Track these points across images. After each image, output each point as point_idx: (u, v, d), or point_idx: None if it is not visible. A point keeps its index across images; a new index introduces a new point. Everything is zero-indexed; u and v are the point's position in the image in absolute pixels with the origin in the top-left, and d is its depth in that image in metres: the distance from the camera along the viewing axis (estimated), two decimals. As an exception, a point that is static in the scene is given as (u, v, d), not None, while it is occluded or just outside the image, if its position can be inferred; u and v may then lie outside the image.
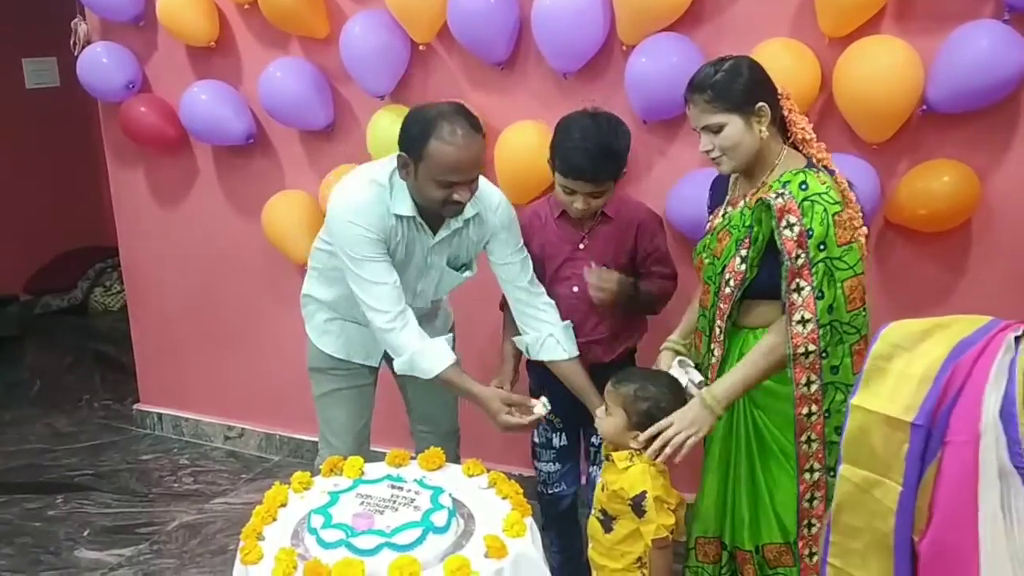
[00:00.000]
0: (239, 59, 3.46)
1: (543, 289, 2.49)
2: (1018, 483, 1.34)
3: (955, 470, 1.38)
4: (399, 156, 2.22)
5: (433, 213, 2.30)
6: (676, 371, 2.21)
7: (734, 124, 2.02)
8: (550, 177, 2.89)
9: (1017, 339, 1.41)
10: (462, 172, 2.17)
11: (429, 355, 2.33)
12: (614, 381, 2.17)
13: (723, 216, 2.19)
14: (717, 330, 2.15)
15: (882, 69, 2.49)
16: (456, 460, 2.59)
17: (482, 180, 2.32)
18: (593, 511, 2.23)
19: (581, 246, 2.48)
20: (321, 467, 2.29)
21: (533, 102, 3.00)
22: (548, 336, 2.45)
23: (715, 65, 2.06)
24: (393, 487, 2.07)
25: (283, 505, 2.10)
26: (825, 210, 1.95)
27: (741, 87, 2.02)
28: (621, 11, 2.75)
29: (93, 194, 4.68)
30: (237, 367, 3.90)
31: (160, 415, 4.16)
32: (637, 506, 2.06)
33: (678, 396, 2.13)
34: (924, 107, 2.54)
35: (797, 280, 1.97)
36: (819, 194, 1.96)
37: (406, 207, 2.28)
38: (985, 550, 1.36)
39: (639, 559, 2.13)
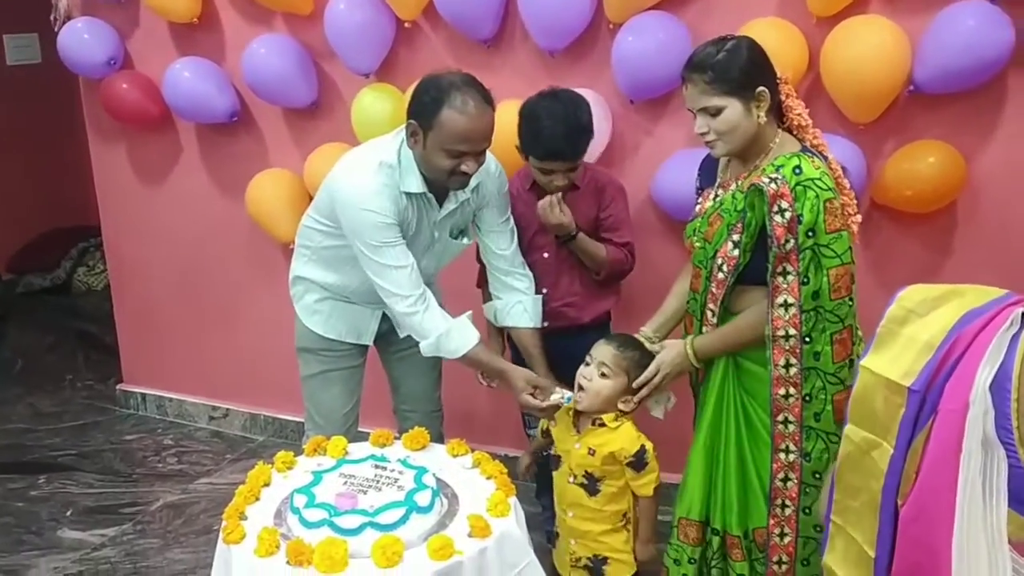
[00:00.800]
0: (222, 35, 3.41)
1: (523, 260, 2.54)
2: (1001, 456, 1.34)
3: (942, 438, 1.38)
4: (408, 124, 2.22)
5: (439, 186, 2.29)
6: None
7: (733, 108, 2.00)
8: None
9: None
10: (472, 142, 2.18)
11: (456, 336, 2.34)
12: (618, 345, 2.22)
13: (714, 199, 2.17)
14: (709, 314, 2.15)
15: (869, 49, 2.48)
16: (440, 439, 2.59)
17: None
18: (571, 480, 2.25)
19: None
20: (305, 447, 2.28)
21: (519, 80, 2.97)
22: (517, 303, 2.52)
23: (716, 44, 2.02)
24: (377, 467, 2.06)
25: (266, 485, 2.09)
26: (817, 196, 1.93)
27: (743, 70, 1.99)
28: (608, -11, 2.72)
29: (77, 172, 4.63)
30: (221, 347, 3.88)
31: (144, 395, 4.14)
32: (640, 461, 2.18)
33: None
34: (911, 88, 2.53)
35: (784, 264, 1.96)
36: (813, 180, 1.95)
37: (415, 183, 2.28)
38: (960, 517, 1.36)
39: (624, 515, 2.25)
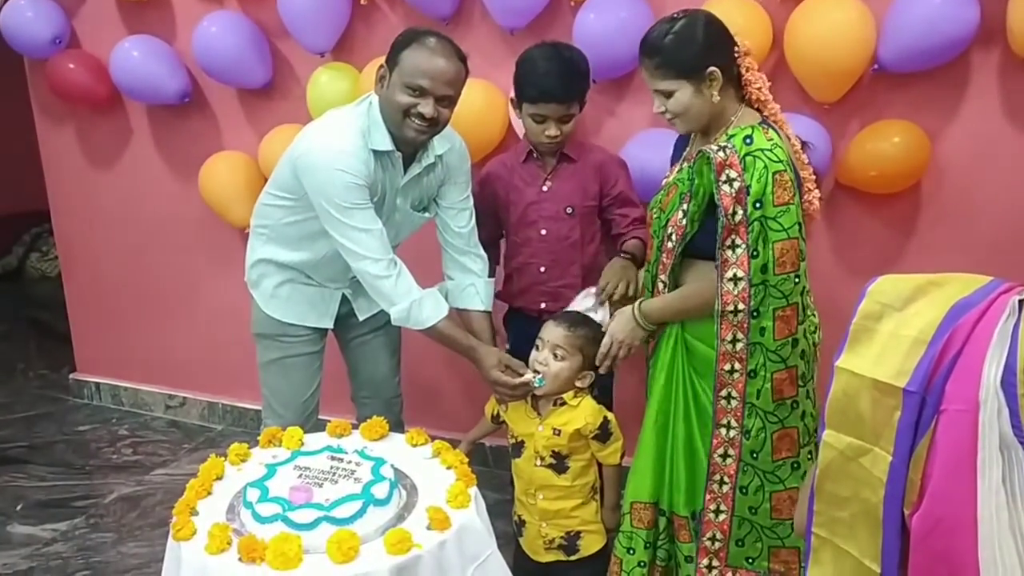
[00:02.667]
0: (172, 13, 3.31)
1: (478, 242, 2.51)
2: (1020, 455, 1.26)
3: (951, 441, 1.30)
4: (379, 68, 2.22)
5: (406, 145, 2.26)
6: (583, 303, 2.32)
7: (683, 90, 1.98)
8: (499, 133, 2.85)
9: (1021, 303, 1.32)
10: (432, 80, 2.15)
11: (429, 304, 2.31)
12: (568, 326, 2.21)
13: (678, 172, 2.14)
14: (660, 285, 2.13)
15: (834, 27, 2.44)
16: (399, 426, 2.54)
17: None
18: (538, 464, 2.24)
19: (544, 188, 2.48)
20: (259, 438, 2.22)
21: (479, 59, 2.88)
22: (470, 285, 2.49)
23: (668, 23, 1.99)
24: (333, 458, 2.00)
25: (219, 478, 2.02)
26: (766, 167, 1.90)
27: (691, 52, 1.96)
28: (569, -35, 2.67)
29: (26, 155, 4.49)
30: (177, 334, 3.78)
31: (98, 384, 4.04)
32: (604, 432, 2.21)
33: None
34: (875, 66, 2.50)
35: (733, 236, 1.93)
36: (763, 150, 1.92)
37: (384, 141, 2.24)
38: (985, 527, 1.28)
39: (592, 486, 2.27)
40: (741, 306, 1.95)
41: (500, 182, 2.53)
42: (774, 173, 1.90)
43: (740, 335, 1.97)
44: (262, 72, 3.16)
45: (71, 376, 4.11)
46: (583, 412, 2.21)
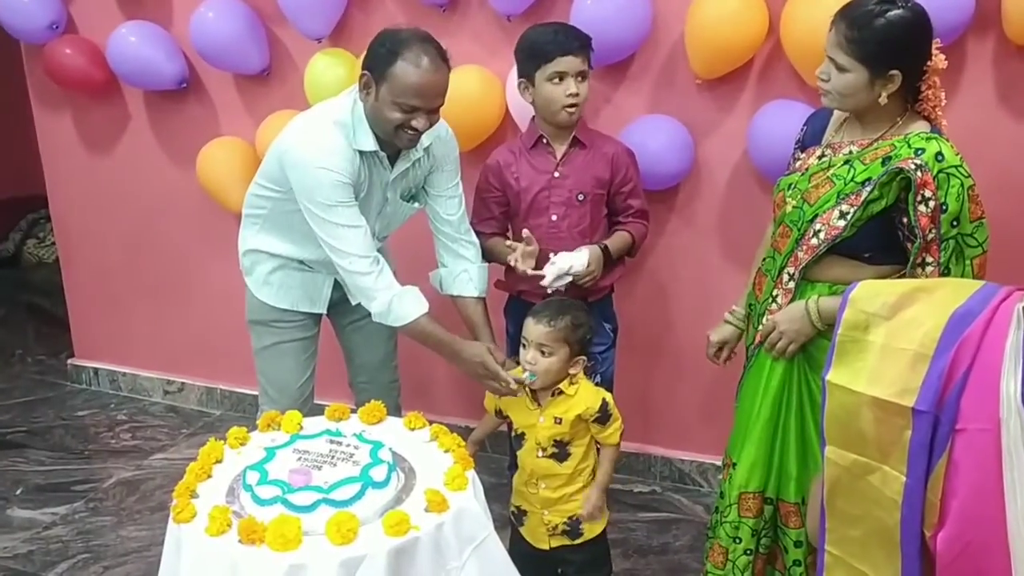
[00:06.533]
0: (169, -2, 3.31)
1: (471, 228, 2.52)
2: None
3: (974, 462, 1.25)
4: (362, 75, 2.18)
5: (391, 146, 2.26)
6: (557, 267, 2.33)
7: (858, 75, 1.91)
8: (496, 120, 2.84)
9: None
10: (424, 98, 2.14)
11: (408, 301, 2.30)
12: (548, 321, 2.17)
13: (820, 158, 2.07)
14: (786, 276, 2.08)
15: (829, 13, 2.42)
16: (397, 411, 2.55)
17: None
18: (540, 455, 2.24)
19: (556, 174, 2.47)
20: (258, 422, 2.23)
21: (476, 46, 2.92)
22: (463, 272, 2.50)
23: (883, 5, 1.88)
24: (332, 442, 2.01)
25: (218, 461, 2.03)
26: (961, 184, 1.86)
27: (888, 46, 1.87)
28: (566, -49, 2.67)
29: (23, 141, 4.48)
30: (175, 319, 3.79)
31: (96, 370, 4.05)
32: (604, 414, 2.20)
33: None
34: (871, 53, 2.50)
35: (924, 255, 1.89)
36: (955, 167, 1.87)
37: (368, 141, 2.24)
38: (1018, 547, 1.24)
39: (592, 470, 2.27)
40: None
41: (508, 170, 2.51)
42: (968, 188, 1.87)
43: None
44: (259, 58, 3.16)
45: (69, 361, 4.12)
46: (582, 397, 2.21)
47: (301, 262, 2.47)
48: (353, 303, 2.50)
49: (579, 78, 2.36)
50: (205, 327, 3.72)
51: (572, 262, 2.34)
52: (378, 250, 2.45)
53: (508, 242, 2.43)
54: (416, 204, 2.47)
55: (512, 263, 2.38)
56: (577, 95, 2.36)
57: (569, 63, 2.34)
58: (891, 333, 1.37)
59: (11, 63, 3.75)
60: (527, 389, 2.24)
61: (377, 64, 2.15)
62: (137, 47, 3.24)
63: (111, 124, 3.60)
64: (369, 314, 2.39)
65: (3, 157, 5.65)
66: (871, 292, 1.42)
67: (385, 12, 3.01)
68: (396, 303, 2.28)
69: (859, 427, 1.38)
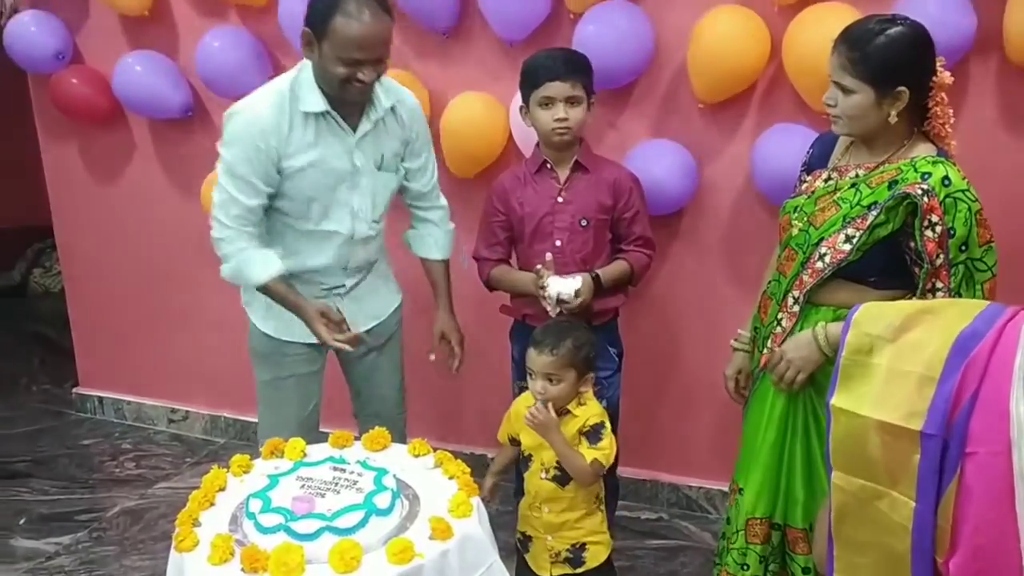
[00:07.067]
0: (175, 28, 3.33)
1: (440, 192, 2.59)
2: None
3: (985, 486, 1.22)
4: (303, 33, 2.18)
5: (346, 107, 2.25)
6: (555, 286, 2.32)
7: (864, 95, 1.90)
8: (500, 145, 2.85)
9: None
10: (367, 50, 2.14)
11: (259, 262, 2.30)
12: (551, 350, 2.15)
13: (826, 181, 2.06)
14: (791, 300, 2.07)
15: (831, 37, 2.43)
16: (402, 440, 2.53)
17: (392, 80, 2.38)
18: (543, 476, 2.23)
19: (560, 199, 2.47)
20: (262, 449, 2.21)
21: (478, 72, 2.93)
22: (428, 235, 2.58)
23: (886, 23, 1.90)
24: (335, 469, 1.99)
25: (222, 489, 2.02)
26: (969, 208, 1.86)
27: (892, 64, 1.88)
28: (568, -23, 2.68)
29: (29, 170, 4.51)
30: (180, 347, 3.79)
31: (101, 398, 4.04)
32: (595, 433, 2.17)
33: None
34: (874, 76, 2.50)
35: (933, 281, 1.88)
36: (962, 191, 1.86)
37: (316, 102, 2.23)
38: None
39: (597, 496, 2.26)
40: None
41: (513, 194, 2.51)
42: (976, 213, 1.86)
43: None
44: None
45: (74, 390, 4.11)
46: (585, 414, 2.19)
47: (302, 281, 2.41)
48: (355, 329, 2.47)
49: (569, 103, 2.37)
50: (209, 355, 3.71)
51: (561, 288, 2.33)
52: (372, 237, 2.43)
53: (537, 267, 2.40)
54: (400, 175, 2.45)
55: (541, 296, 2.37)
56: (565, 120, 2.37)
57: (557, 88, 2.36)
58: (896, 355, 1.34)
59: (18, 93, 3.77)
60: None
61: (317, 20, 2.14)
62: (142, 76, 3.27)
63: (117, 153, 3.61)
64: (374, 348, 2.39)
65: (10, 186, 5.65)
66: (875, 314, 1.39)
67: (389, 40, 3.02)
68: (244, 265, 2.30)
69: (866, 452, 1.35)
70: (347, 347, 2.27)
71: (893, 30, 1.89)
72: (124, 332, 3.89)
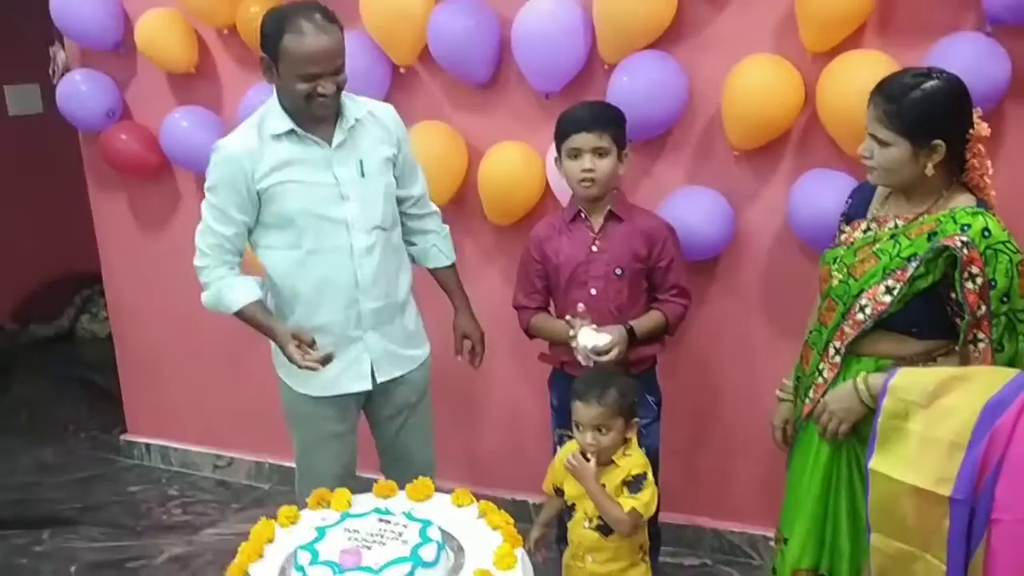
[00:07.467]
0: (219, 84, 3.43)
1: (429, 200, 2.63)
2: None
3: (1011, 552, 1.24)
4: (260, 59, 2.27)
5: (316, 123, 2.31)
6: (586, 338, 2.34)
7: (901, 148, 1.92)
8: (537, 195, 2.88)
9: None
10: (321, 62, 2.20)
11: (239, 288, 2.36)
12: (597, 400, 2.16)
13: (865, 232, 2.08)
14: (832, 350, 2.07)
15: (865, 84, 2.42)
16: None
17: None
18: (587, 526, 2.23)
19: (594, 248, 2.50)
20: (308, 500, 2.24)
21: (515, 123, 2.98)
22: (432, 246, 2.63)
23: (917, 78, 1.93)
24: (381, 520, 2.03)
25: (270, 541, 2.06)
26: (1010, 260, 1.86)
27: (928, 117, 1.90)
28: (602, 30, 2.73)
29: (79, 220, 4.65)
30: (225, 394, 3.85)
31: (148, 445, 4.11)
32: (636, 484, 2.17)
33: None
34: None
35: (975, 332, 1.88)
36: (1003, 242, 1.88)
37: (281, 123, 2.31)
38: None
39: (640, 547, 2.26)
40: None
41: (549, 243, 2.54)
42: (1017, 264, 1.87)
43: None
44: (306, 139, 3.24)
45: (122, 437, 4.18)
46: (628, 465, 2.20)
47: (323, 336, 2.38)
48: (380, 379, 2.48)
49: (596, 154, 2.41)
50: (254, 402, 3.76)
51: (590, 341, 2.34)
52: (384, 228, 2.43)
53: (567, 317, 2.42)
54: (387, 179, 2.44)
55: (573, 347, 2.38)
56: (591, 171, 2.41)
57: (583, 140, 2.41)
58: (929, 422, 1.37)
59: (72, 146, 3.89)
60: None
61: (269, 45, 2.22)
62: (189, 131, 3.36)
63: (164, 205, 3.71)
64: (403, 409, 2.44)
65: (60, 237, 5.82)
66: (910, 381, 1.42)
67: (427, 93, 3.09)
68: (224, 290, 2.37)
69: (901, 515, 1.38)
70: (318, 367, 2.28)
71: (929, 84, 1.91)
72: (170, 379, 3.96)
